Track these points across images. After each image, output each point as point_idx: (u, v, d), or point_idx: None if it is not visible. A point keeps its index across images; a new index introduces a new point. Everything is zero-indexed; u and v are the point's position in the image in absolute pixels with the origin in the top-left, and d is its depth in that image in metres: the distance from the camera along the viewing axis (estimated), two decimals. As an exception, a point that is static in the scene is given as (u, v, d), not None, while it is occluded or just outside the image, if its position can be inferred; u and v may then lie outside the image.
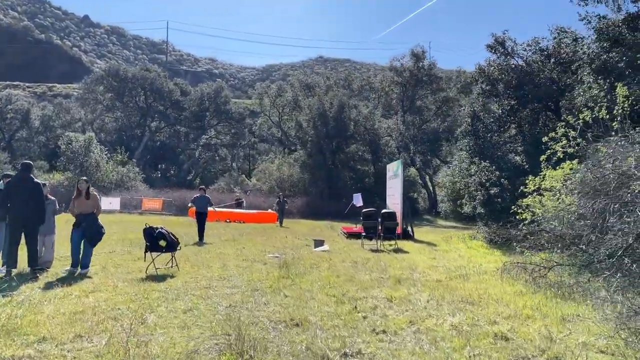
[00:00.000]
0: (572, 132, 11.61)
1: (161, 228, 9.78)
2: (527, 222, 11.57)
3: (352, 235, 18.37)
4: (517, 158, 16.35)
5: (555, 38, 17.28)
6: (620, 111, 10.36)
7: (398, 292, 7.89)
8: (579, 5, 14.09)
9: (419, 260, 12.22)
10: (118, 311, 6.65)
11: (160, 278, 8.97)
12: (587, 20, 14.01)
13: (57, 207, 10.35)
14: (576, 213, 8.44)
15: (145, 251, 9.61)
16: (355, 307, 6.86)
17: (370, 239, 15.83)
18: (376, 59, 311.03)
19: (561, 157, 12.05)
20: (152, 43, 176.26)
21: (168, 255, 9.98)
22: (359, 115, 40.58)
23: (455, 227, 30.20)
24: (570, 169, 11.19)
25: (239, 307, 7.03)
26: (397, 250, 14.47)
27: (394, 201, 19.45)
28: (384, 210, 16.01)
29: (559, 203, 9.20)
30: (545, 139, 11.98)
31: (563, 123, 11.81)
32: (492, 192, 14.92)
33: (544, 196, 11.32)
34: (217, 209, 19.28)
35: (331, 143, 39.53)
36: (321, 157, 39.79)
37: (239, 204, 32.55)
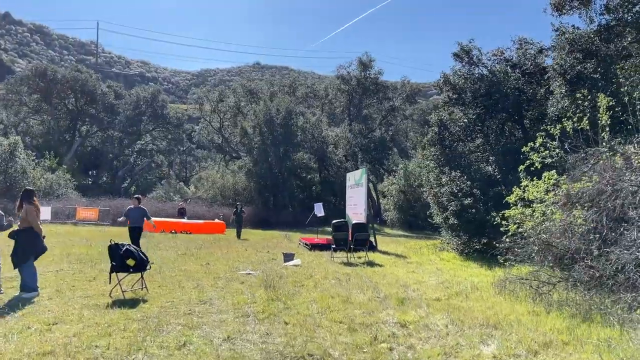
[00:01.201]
0: (553, 143, 11.43)
1: (128, 245, 8.59)
2: (510, 234, 11.25)
3: (315, 246, 17.55)
4: (489, 168, 16.18)
5: (518, 49, 17.38)
6: (605, 122, 10.21)
7: (407, 316, 7.18)
8: (553, 15, 14.18)
9: (401, 275, 11.60)
10: (97, 350, 5.53)
11: (130, 303, 7.80)
12: (562, 31, 14.09)
13: (5, 222, 8.95)
14: (585, 227, 8.07)
15: (111, 272, 8.37)
16: (375, 337, 6.07)
17: (335, 251, 15.07)
18: (314, 67, 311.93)
19: (539, 167, 11.86)
20: (79, 43, 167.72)
21: (133, 275, 8.80)
22: (306, 123, 39.87)
23: (406, 236, 30.12)
24: (555, 179, 10.97)
25: (239, 338, 6.08)
26: (371, 264, 13.80)
27: (355, 211, 18.83)
28: (354, 221, 15.35)
29: (565, 216, 8.83)
30: (525, 148, 11.73)
31: (543, 133, 11.59)
32: (465, 202, 14.60)
33: (530, 207, 11.01)
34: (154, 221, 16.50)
35: (278, 150, 38.49)
36: (267, 165, 38.66)
37: (181, 214, 30.89)
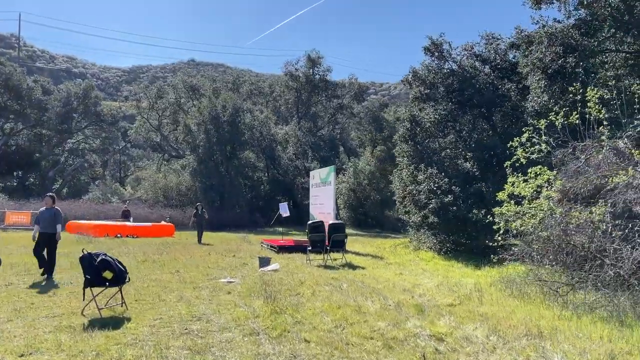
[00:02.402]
0: (542, 138, 11.17)
1: (104, 255, 7.37)
2: (501, 232, 10.88)
3: (282, 249, 16.61)
4: (467, 164, 15.82)
5: (487, 44, 17.20)
6: (602, 116, 10.00)
7: (438, 327, 6.49)
8: (532, 8, 14.02)
9: (393, 278, 10.95)
10: (97, 389, 4.44)
11: (111, 323, 6.64)
12: (542, 24, 13.96)
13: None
14: (610, 223, 7.69)
15: (85, 287, 7.13)
16: (424, 355, 5.31)
17: (306, 253, 14.30)
18: (250, 65, 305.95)
19: (524, 162, 11.59)
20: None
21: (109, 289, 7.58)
22: (254, 121, 38.61)
23: (360, 235, 29.62)
24: (548, 176, 10.68)
25: (263, 364, 5.14)
26: (351, 266, 13.08)
27: (322, 210, 18.05)
28: (331, 222, 14.54)
29: (587, 213, 8.43)
30: (514, 143, 11.41)
31: (530, 128, 11.32)
32: (445, 200, 14.15)
33: (521, 205, 10.65)
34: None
35: (224, 149, 36.99)
36: (213, 164, 37.05)
37: (125, 216, 28.99)
